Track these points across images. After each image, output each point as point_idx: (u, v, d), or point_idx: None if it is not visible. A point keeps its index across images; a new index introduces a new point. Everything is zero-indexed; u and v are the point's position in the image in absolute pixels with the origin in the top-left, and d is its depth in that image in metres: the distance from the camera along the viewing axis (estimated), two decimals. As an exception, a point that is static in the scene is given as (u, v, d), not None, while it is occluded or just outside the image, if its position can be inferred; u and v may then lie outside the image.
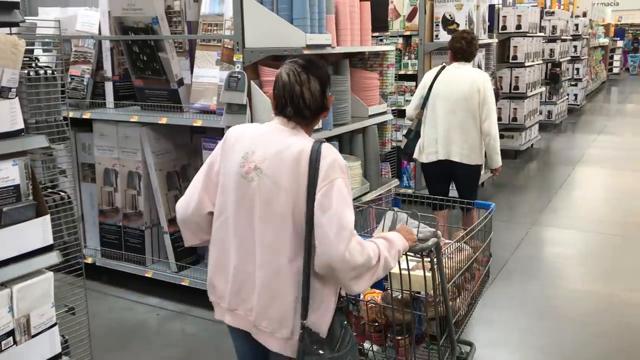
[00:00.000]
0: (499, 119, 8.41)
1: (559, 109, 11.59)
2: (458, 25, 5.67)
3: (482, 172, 4.79)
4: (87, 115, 4.07)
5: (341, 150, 4.24)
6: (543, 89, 10.76)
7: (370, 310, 2.46)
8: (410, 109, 4.38)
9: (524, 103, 8.46)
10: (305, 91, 1.87)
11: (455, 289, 2.48)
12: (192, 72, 3.94)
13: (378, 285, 2.46)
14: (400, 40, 6.52)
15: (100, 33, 4.08)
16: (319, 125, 3.67)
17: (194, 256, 4.21)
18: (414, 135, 4.33)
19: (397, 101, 6.34)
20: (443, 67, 4.24)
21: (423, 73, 6.07)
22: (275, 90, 1.94)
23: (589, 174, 8.03)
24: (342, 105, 3.93)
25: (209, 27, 3.90)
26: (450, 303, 2.36)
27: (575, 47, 13.12)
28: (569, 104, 13.14)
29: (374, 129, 4.33)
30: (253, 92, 3.47)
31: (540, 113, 10.90)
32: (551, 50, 10.59)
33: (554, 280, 4.46)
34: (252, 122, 3.48)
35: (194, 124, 3.73)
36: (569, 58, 12.42)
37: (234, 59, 3.50)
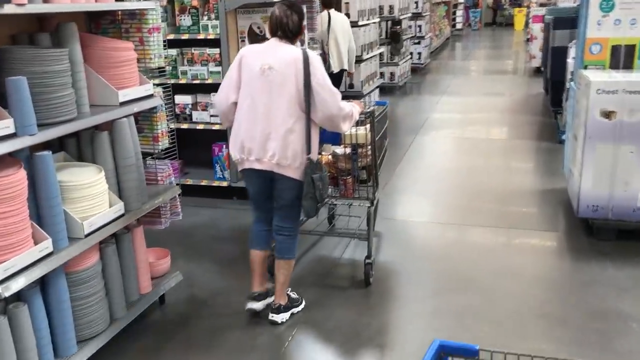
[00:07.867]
0: (337, 87, 7.49)
1: (402, 69, 10.96)
2: (263, -25, 4.50)
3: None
4: None
5: (81, 158, 2.95)
6: (383, 49, 10.01)
7: (326, 165, 3.61)
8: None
9: (360, 67, 7.55)
10: (289, 21, 3.17)
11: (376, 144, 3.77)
12: None
13: (335, 140, 3.77)
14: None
15: None
16: (13, 130, 2.34)
17: None
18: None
19: (200, 73, 5.06)
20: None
21: (227, 36, 4.87)
22: (271, 21, 3.20)
23: (430, 143, 7.37)
24: (59, 94, 2.59)
25: None
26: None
27: (416, 3, 12.55)
28: (412, 64, 12.64)
29: (128, 123, 3.02)
30: None
31: (382, 75, 10.18)
32: (390, 6, 9.80)
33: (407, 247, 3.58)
34: None
35: None
36: (410, 15, 11.81)
37: None
